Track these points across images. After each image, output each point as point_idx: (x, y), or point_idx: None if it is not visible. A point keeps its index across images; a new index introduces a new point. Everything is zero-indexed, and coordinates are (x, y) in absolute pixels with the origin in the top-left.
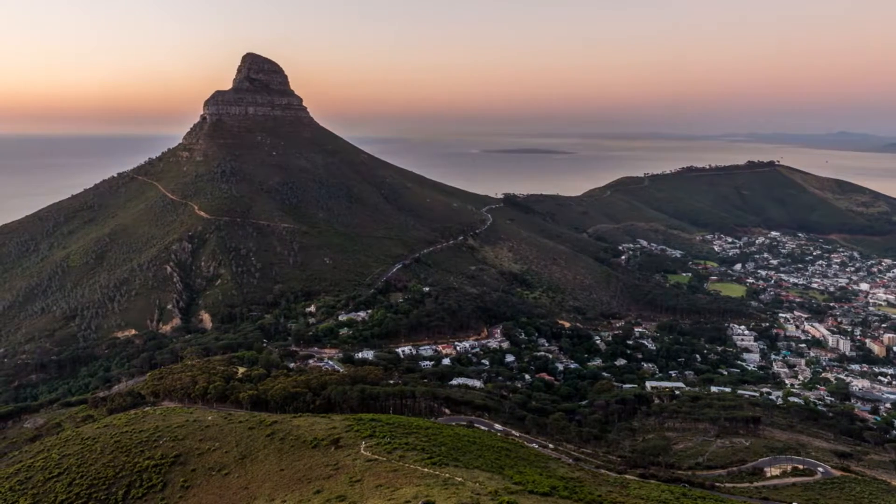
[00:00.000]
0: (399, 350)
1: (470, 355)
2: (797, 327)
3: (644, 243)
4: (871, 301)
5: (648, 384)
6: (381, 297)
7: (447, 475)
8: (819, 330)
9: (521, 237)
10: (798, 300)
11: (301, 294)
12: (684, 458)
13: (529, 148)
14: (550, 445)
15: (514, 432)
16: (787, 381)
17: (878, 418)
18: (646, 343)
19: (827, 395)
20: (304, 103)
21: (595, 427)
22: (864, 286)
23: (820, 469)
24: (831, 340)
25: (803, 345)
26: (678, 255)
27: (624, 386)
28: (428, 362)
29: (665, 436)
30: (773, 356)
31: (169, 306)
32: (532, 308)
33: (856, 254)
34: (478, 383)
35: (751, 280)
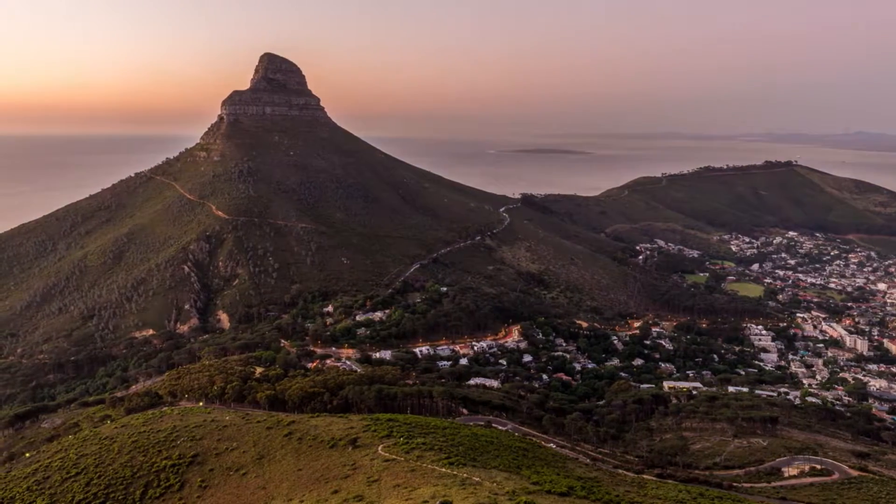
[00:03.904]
0: (416, 350)
1: (487, 355)
2: (815, 327)
3: (661, 243)
4: (888, 301)
5: (666, 384)
6: (398, 297)
7: (465, 475)
8: (836, 330)
9: (539, 237)
10: (815, 300)
11: (318, 294)
12: (702, 458)
13: (546, 148)
14: (568, 445)
15: (531, 432)
16: (804, 381)
17: None
18: (663, 343)
19: (844, 395)
20: (322, 103)
21: (612, 427)
22: (881, 286)
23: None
24: (849, 340)
25: (821, 345)
26: (695, 255)
27: (641, 386)
28: (445, 362)
29: (682, 436)
30: (790, 356)
31: (186, 306)
32: (550, 308)
33: (873, 254)
34: (495, 383)
35: (768, 280)
